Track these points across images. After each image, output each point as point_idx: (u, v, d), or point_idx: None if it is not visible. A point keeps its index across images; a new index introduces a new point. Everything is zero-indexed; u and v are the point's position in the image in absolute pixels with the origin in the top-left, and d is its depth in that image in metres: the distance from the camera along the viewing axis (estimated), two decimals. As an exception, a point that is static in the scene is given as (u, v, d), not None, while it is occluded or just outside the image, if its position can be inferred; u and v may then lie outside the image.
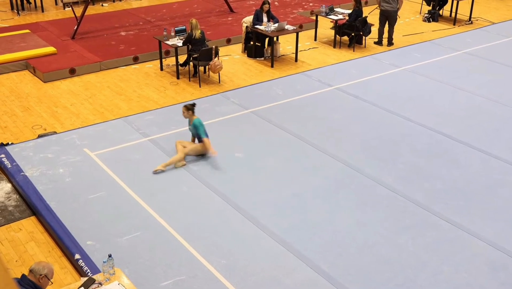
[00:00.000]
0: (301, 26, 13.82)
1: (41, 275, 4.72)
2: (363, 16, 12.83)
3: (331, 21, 13.34)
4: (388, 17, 13.11)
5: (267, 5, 12.07)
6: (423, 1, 16.00)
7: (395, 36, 13.65)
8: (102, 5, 16.14)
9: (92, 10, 15.17)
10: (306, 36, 13.63)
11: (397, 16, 13.30)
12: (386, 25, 13.21)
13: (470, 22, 15.18)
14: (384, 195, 7.36)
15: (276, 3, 16.14)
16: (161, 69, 11.50)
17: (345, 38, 13.24)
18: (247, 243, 6.39)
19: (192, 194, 7.27)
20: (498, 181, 7.77)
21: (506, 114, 9.77)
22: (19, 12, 15.23)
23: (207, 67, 11.06)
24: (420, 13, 15.92)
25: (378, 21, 13.34)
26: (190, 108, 8.05)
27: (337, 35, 13.08)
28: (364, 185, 7.57)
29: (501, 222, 6.89)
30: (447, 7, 15.63)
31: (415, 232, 6.67)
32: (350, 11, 13.02)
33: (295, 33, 12.12)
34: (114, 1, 16.57)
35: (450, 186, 7.62)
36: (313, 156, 8.26)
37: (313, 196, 7.30)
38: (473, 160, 8.29)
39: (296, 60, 12.13)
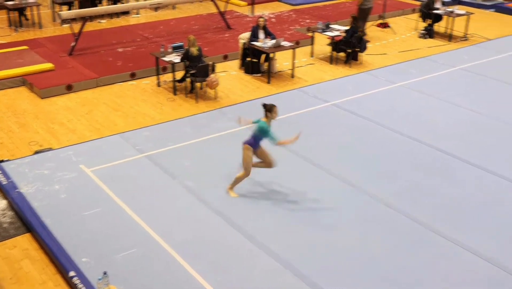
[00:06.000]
0: (297, 43, 13.88)
1: None
2: (361, 33, 12.89)
3: (327, 38, 13.40)
4: (368, 14, 14.53)
5: (261, 20, 12.12)
6: (420, 18, 16.09)
7: (390, 52, 13.75)
8: (99, 22, 16.20)
9: (89, 26, 15.22)
10: (302, 52, 13.68)
11: None
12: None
13: (466, 38, 15.27)
14: (383, 212, 7.32)
15: (273, 19, 16.23)
16: (158, 85, 11.51)
17: (342, 54, 13.29)
18: (244, 260, 6.34)
19: (189, 210, 7.23)
20: (496, 197, 7.75)
21: (503, 130, 9.78)
22: (17, 28, 15.27)
23: (204, 83, 11.08)
24: (416, 30, 16.00)
25: (362, 22, 13.97)
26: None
27: (333, 52, 13.14)
28: (363, 201, 7.54)
29: (498, 239, 6.86)
30: (442, 23, 15.71)
31: (414, 249, 6.63)
32: (347, 28, 13.09)
33: (292, 50, 12.17)
34: (111, 18, 16.64)
35: (449, 202, 7.60)
36: (311, 173, 8.24)
37: (312, 213, 7.26)
38: (471, 176, 8.27)
39: (292, 76, 12.16)
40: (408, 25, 16.58)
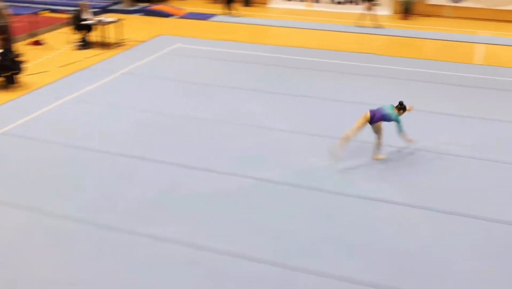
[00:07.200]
0: None
1: None
2: (14, 54, 12.35)
3: (-21, 65, 12.43)
4: (7, 32, 13.84)
5: None
6: (73, 30, 16.08)
7: (51, 68, 13.54)
8: None
9: None
10: (-47, 84, 12.42)
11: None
12: None
13: (121, 44, 15.90)
14: (78, 230, 7.21)
15: None
16: None
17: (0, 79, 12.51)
18: None
19: None
20: (174, 184, 8.40)
21: (170, 123, 10.57)
22: None
23: None
24: (71, 42, 15.92)
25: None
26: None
27: (-11, 78, 12.30)
28: (53, 225, 7.32)
29: (185, 221, 7.46)
30: (97, 32, 15.99)
31: (118, 256, 6.75)
32: (1, 51, 12.37)
33: None
34: None
35: (132, 200, 7.90)
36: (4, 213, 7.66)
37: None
38: (151, 172, 8.73)
39: None
40: (62, 39, 16.41)
